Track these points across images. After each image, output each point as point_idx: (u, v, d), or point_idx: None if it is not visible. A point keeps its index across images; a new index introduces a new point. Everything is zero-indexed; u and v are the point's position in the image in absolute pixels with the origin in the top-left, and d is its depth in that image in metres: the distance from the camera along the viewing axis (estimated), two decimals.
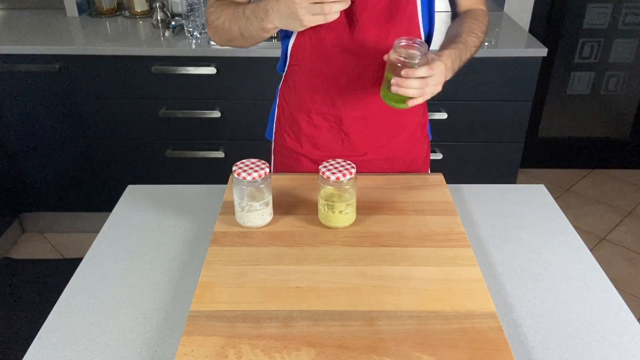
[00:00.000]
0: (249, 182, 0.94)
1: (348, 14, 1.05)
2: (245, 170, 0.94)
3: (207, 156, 2.24)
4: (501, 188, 1.19)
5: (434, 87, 0.95)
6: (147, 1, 2.40)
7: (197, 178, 2.27)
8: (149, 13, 2.40)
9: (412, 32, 1.09)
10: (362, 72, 1.10)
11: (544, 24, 2.70)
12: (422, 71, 0.92)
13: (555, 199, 1.15)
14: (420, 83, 0.93)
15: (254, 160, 0.98)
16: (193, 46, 2.05)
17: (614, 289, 0.91)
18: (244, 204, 0.96)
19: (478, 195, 1.16)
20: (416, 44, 0.94)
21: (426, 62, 0.94)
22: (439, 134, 2.21)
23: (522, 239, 1.03)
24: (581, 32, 2.72)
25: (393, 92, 0.95)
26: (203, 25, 2.12)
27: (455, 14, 1.20)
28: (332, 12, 0.90)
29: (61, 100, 2.13)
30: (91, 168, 2.29)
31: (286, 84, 1.20)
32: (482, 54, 2.03)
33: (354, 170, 0.96)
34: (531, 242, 1.02)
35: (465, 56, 1.06)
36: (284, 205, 1.05)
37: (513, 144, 2.24)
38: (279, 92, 1.24)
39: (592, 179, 2.96)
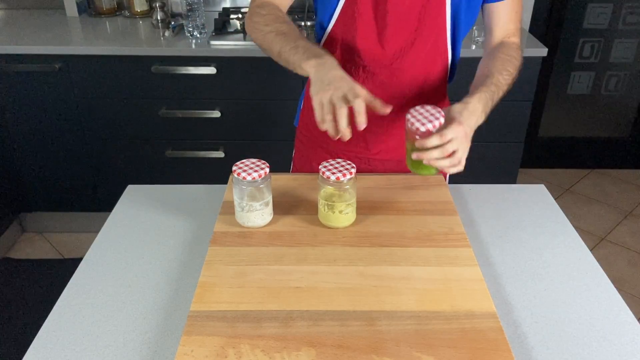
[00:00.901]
0: (249, 182, 0.94)
1: (378, 21, 1.06)
2: (245, 170, 0.94)
3: (207, 156, 2.24)
4: (501, 188, 1.19)
5: (462, 150, 0.90)
6: (147, 1, 2.40)
7: (197, 178, 2.27)
8: (149, 13, 2.40)
9: (438, 45, 1.10)
10: (384, 77, 1.12)
11: (544, 24, 2.70)
12: (434, 140, 0.88)
13: (555, 199, 1.15)
14: (441, 151, 0.89)
15: (254, 160, 0.98)
16: (193, 46, 2.05)
17: (614, 289, 0.91)
18: (244, 204, 0.96)
19: (478, 195, 1.16)
20: (429, 111, 0.92)
21: (441, 126, 0.90)
22: None
23: (522, 239, 1.03)
24: (581, 32, 2.72)
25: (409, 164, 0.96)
26: (203, 25, 2.12)
27: (489, 43, 1.17)
28: (341, 123, 0.86)
29: (61, 100, 2.13)
30: (91, 168, 2.29)
31: None
32: (482, 54, 2.03)
33: (354, 170, 0.96)
34: (531, 242, 1.02)
35: (498, 96, 1.03)
36: (284, 205, 1.05)
37: (513, 144, 2.24)
38: (307, 81, 1.25)
39: (592, 179, 2.96)
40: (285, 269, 0.88)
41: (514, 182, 2.35)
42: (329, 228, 0.98)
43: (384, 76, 1.12)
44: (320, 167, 0.97)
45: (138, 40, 2.10)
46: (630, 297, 2.15)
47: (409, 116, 0.93)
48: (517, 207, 1.12)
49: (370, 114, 1.16)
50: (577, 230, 1.06)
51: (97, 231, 1.05)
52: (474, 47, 2.04)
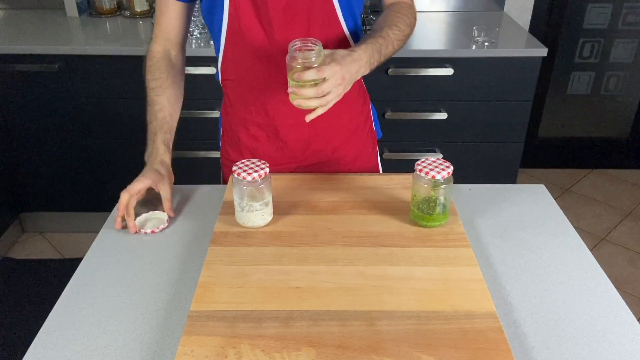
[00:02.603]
0: (249, 182, 0.94)
1: (262, 19, 1.03)
2: (245, 170, 0.94)
3: (207, 156, 2.24)
4: (501, 188, 1.19)
5: (334, 93, 0.91)
6: (147, 1, 2.40)
7: (197, 178, 2.26)
8: (149, 13, 2.40)
9: (332, 29, 1.07)
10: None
11: (544, 24, 2.70)
12: (311, 73, 0.88)
13: (555, 199, 1.15)
14: (316, 91, 0.89)
15: (254, 160, 0.98)
16: (193, 46, 2.05)
17: (614, 289, 0.91)
18: (244, 204, 0.96)
19: (478, 195, 1.16)
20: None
21: (322, 62, 0.91)
22: (439, 134, 2.21)
23: (522, 239, 1.03)
24: (581, 32, 2.72)
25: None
26: (203, 25, 2.12)
27: (383, 6, 1.15)
28: None
29: (61, 100, 2.13)
30: (91, 168, 2.29)
31: (225, 98, 1.21)
32: (482, 54, 2.03)
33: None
34: (531, 242, 1.02)
35: (387, 50, 1.02)
36: (284, 205, 1.05)
37: (513, 144, 2.24)
38: (222, 107, 1.25)
39: (592, 179, 2.96)
40: (285, 269, 0.88)
41: (514, 182, 2.35)
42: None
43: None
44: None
45: (138, 40, 2.10)
46: (630, 297, 2.15)
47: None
48: (517, 207, 1.12)
49: (292, 123, 1.13)
50: (577, 230, 1.06)
51: (97, 231, 1.05)
52: (474, 47, 2.04)
